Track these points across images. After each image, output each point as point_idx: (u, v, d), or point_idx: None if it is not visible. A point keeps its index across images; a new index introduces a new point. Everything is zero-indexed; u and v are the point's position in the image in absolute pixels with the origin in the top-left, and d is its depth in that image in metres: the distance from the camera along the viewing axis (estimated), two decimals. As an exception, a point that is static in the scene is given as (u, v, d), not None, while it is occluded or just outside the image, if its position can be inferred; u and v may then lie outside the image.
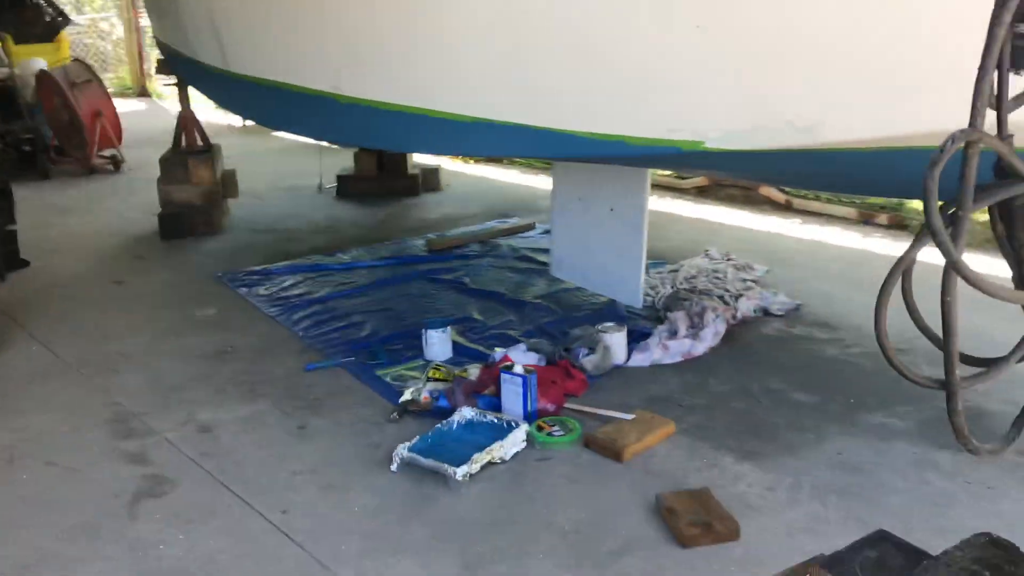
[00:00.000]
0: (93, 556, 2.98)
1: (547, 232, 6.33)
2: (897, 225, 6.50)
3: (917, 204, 6.60)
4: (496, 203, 7.39)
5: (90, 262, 6.13)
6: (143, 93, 14.01)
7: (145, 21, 14.17)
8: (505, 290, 5.29)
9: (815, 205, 6.99)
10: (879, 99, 2.97)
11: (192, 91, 6.81)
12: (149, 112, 12.59)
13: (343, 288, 5.39)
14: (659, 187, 7.52)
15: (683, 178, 7.67)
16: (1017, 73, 1.08)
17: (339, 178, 7.72)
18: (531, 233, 6.48)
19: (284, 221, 7.00)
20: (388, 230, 6.75)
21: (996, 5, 1.06)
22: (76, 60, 9.52)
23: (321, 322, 4.86)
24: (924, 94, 2.83)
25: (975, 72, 1.07)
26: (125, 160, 8.95)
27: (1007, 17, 1.06)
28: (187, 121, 6.66)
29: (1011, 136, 1.09)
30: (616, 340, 4.19)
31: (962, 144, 1.03)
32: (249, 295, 5.34)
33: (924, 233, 1.12)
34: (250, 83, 4.71)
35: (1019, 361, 1.25)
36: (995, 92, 1.00)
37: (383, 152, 7.50)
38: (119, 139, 8.79)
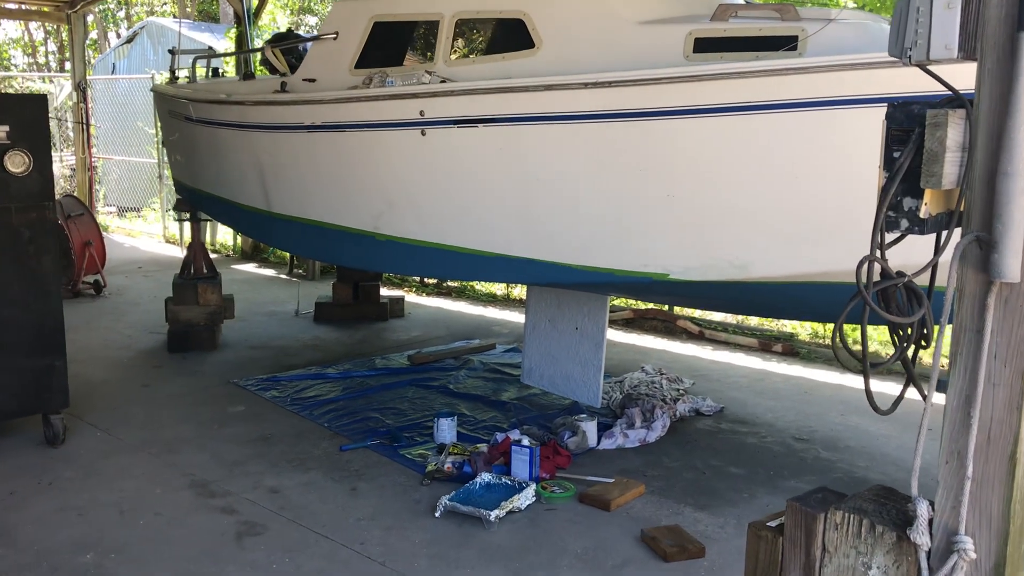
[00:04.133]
0: (222, 572, 3.90)
1: (508, 351, 7.55)
2: (790, 352, 7.92)
3: (805, 336, 8.13)
4: (455, 328, 8.56)
5: (113, 370, 6.96)
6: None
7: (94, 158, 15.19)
8: (484, 393, 6.42)
9: (723, 335, 8.41)
10: (787, 250, 4.35)
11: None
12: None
13: (348, 391, 6.41)
14: (592, 318, 8.84)
15: (612, 311, 9.02)
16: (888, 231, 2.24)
17: (317, 304, 8.74)
18: (493, 352, 7.65)
19: (273, 340, 7.98)
20: (369, 348, 7.80)
21: (878, 203, 2.20)
22: (69, 195, 10.36)
23: (339, 416, 5.86)
24: (815, 247, 4.24)
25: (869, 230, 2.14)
26: (107, 285, 9.79)
27: (883, 208, 2.22)
28: (197, 251, 7.66)
29: (887, 259, 2.24)
30: (590, 427, 5.37)
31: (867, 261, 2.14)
32: (267, 396, 6.30)
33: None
34: (295, 222, 5.86)
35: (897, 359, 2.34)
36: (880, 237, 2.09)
37: (359, 282, 8.60)
38: (103, 265, 9.64)
